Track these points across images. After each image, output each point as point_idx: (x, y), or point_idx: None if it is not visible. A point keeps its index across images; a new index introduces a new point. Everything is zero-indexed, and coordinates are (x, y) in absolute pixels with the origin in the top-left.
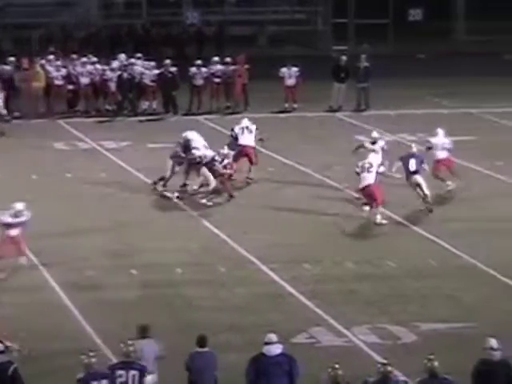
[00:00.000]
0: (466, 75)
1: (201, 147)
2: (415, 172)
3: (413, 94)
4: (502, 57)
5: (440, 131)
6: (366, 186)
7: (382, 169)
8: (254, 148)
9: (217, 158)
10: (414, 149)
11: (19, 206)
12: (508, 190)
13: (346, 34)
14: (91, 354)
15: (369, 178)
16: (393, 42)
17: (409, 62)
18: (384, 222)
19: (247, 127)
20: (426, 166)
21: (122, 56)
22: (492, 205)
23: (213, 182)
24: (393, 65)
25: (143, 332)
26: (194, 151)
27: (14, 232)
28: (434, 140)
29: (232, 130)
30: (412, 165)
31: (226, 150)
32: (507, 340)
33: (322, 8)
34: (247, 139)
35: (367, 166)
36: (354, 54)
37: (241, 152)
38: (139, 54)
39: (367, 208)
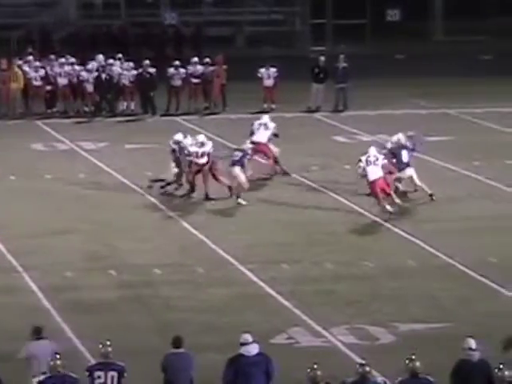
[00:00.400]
0: (444, 75)
1: (193, 145)
2: (408, 164)
3: (391, 95)
4: (480, 57)
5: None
6: (374, 180)
7: (384, 161)
8: (265, 145)
9: (249, 151)
10: (402, 140)
11: None
12: (485, 190)
13: (324, 35)
14: (57, 356)
15: (377, 171)
16: (371, 43)
17: (387, 62)
18: (392, 210)
19: (265, 124)
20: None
21: (100, 57)
22: (470, 205)
23: (244, 180)
24: (371, 65)
25: (37, 333)
26: (186, 151)
27: None
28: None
29: (252, 124)
30: (405, 156)
31: (249, 144)
32: (485, 340)
33: (300, 8)
34: (260, 136)
35: (373, 159)
36: (332, 55)
37: (254, 150)
38: (119, 55)
39: (389, 207)
